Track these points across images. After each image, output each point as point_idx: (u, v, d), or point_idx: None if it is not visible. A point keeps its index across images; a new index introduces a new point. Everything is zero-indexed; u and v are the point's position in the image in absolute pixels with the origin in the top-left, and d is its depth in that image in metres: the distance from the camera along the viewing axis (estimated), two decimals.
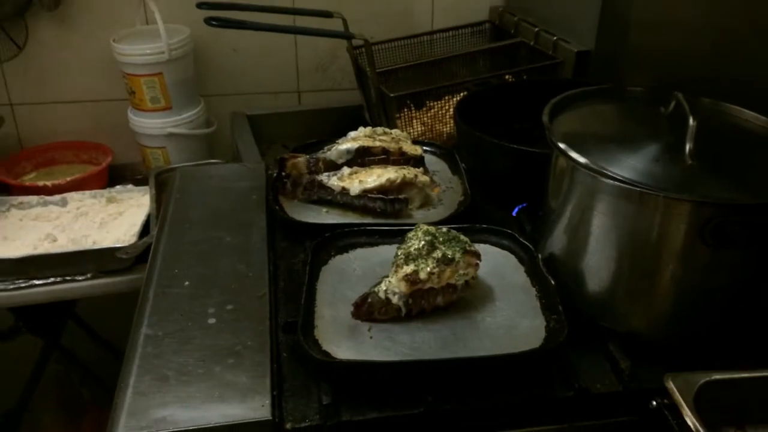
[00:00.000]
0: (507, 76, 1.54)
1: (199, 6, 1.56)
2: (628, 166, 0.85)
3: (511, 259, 1.03)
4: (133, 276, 1.46)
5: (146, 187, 1.69)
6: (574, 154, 0.86)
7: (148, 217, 1.55)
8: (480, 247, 0.99)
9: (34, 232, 1.59)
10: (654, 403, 0.79)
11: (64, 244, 1.54)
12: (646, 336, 0.88)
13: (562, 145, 0.88)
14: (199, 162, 1.76)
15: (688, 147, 0.86)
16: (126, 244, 1.46)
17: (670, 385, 0.74)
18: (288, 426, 0.80)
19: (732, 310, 0.86)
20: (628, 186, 0.82)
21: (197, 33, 1.79)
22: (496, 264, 1.02)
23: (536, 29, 1.66)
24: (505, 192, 1.21)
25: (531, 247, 1.02)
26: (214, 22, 1.38)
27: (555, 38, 1.58)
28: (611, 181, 0.83)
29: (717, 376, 0.76)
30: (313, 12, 1.64)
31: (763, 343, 0.86)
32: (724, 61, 1.12)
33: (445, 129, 1.59)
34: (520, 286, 0.98)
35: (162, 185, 1.64)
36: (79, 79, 1.87)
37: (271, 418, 0.79)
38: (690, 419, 0.71)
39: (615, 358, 0.87)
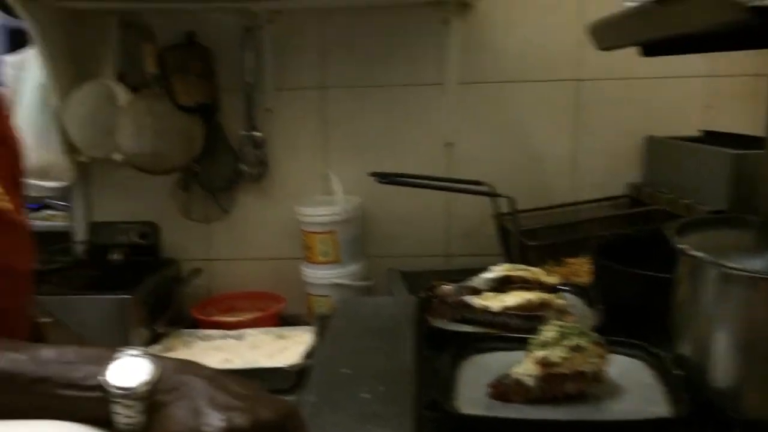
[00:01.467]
0: None
1: (371, 174, 1.88)
2: (744, 264, 0.94)
3: (640, 364, 1.10)
4: (295, 397, 1.63)
5: (311, 327, 1.92)
6: (695, 252, 0.97)
7: (312, 347, 1.76)
8: (611, 357, 1.07)
9: (214, 358, 1.83)
10: None
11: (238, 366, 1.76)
12: None
13: (683, 246, 1.00)
14: None
15: None
16: None
17: None
18: None
19: None
20: (747, 274, 0.91)
21: (367, 203, 2.13)
22: (625, 368, 1.09)
23: (671, 196, 1.80)
24: (640, 323, 1.29)
25: (660, 352, 1.08)
26: (382, 180, 1.68)
27: (689, 201, 1.70)
28: (732, 271, 0.92)
29: None
30: (465, 181, 1.91)
31: None
32: None
33: (580, 281, 1.70)
34: (648, 384, 1.03)
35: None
36: (267, 239, 2.22)
37: None
38: None
39: None
